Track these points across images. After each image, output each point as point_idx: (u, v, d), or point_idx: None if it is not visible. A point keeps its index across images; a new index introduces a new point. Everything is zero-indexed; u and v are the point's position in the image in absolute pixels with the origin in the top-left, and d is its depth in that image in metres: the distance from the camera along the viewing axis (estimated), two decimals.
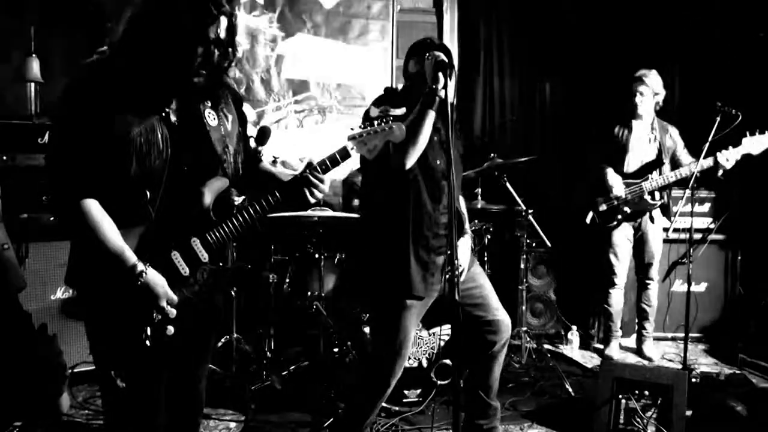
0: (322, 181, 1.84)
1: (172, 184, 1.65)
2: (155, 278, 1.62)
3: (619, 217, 4.02)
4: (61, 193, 1.57)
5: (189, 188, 1.69)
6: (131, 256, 1.59)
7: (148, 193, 1.61)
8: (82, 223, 1.56)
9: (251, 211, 1.79)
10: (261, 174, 1.97)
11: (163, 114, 1.65)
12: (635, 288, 4.49)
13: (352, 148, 1.88)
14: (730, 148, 3.62)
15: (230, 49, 1.64)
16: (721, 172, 3.67)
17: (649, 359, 4.15)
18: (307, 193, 1.84)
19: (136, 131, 1.57)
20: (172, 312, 1.64)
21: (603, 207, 4.03)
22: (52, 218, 3.28)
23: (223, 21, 1.60)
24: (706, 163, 3.61)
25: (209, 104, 1.75)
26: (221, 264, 1.77)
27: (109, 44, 1.63)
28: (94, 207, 1.57)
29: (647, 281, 4.18)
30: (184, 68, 1.59)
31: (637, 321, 4.30)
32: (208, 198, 1.72)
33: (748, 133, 3.61)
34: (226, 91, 1.83)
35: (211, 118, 1.74)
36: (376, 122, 1.90)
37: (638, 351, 4.28)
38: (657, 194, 4.00)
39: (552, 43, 5.38)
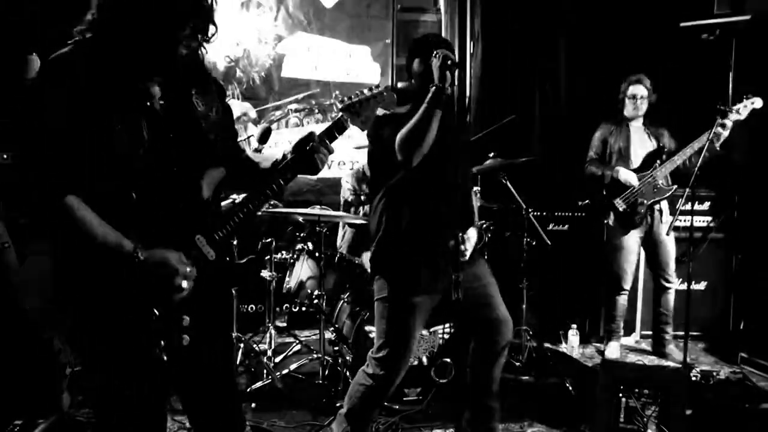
0: (328, 147, 1.74)
1: (164, 180, 1.54)
2: (157, 253, 1.48)
3: (641, 212, 4.04)
4: (40, 193, 1.43)
5: (185, 181, 1.59)
6: (129, 245, 1.46)
7: (134, 195, 1.49)
8: (69, 223, 1.44)
9: (254, 198, 1.68)
10: (247, 166, 1.84)
11: (147, 105, 1.52)
12: (637, 288, 4.50)
13: (346, 120, 1.80)
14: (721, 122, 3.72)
15: (210, 22, 1.55)
16: (718, 145, 3.75)
17: (675, 360, 4.11)
18: (317, 159, 1.73)
19: (116, 124, 1.45)
20: (189, 276, 1.52)
21: (623, 206, 4.05)
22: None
23: None
24: (706, 137, 3.65)
25: (194, 91, 1.63)
26: (228, 259, 1.68)
27: (84, 25, 1.52)
28: (77, 203, 1.45)
29: (667, 284, 4.16)
30: (163, 41, 1.49)
31: (655, 324, 4.29)
32: (207, 190, 1.63)
33: (732, 106, 3.73)
34: (211, 81, 1.73)
35: (199, 104, 1.63)
36: (366, 90, 1.82)
37: (660, 353, 4.26)
38: (668, 180, 4.07)
39: (552, 43, 5.38)
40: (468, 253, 2.54)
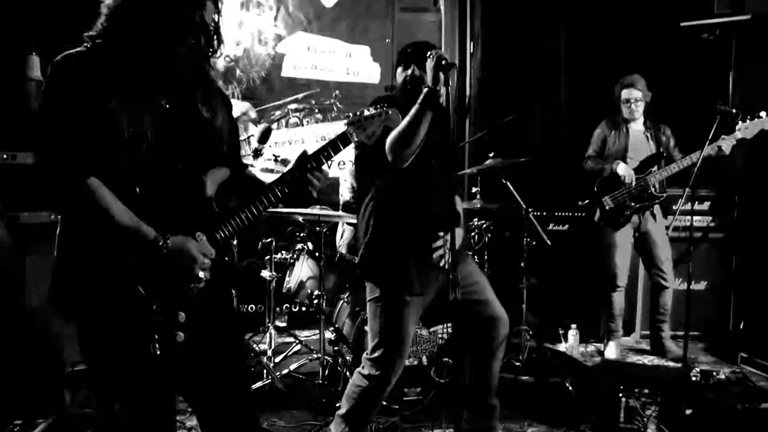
0: (321, 172, 1.79)
1: (168, 176, 1.58)
2: (182, 242, 1.55)
3: (627, 213, 4.05)
4: (62, 174, 1.47)
5: (189, 179, 1.63)
6: (149, 230, 1.52)
7: (137, 189, 1.54)
8: (92, 204, 1.48)
9: (257, 203, 1.72)
10: (245, 181, 1.89)
11: (152, 104, 1.58)
12: (637, 288, 4.51)
13: (351, 134, 1.86)
14: (726, 136, 3.74)
15: (215, 38, 1.61)
16: (717, 154, 3.75)
17: (675, 354, 4.10)
18: (310, 188, 1.79)
19: (122, 120, 1.50)
20: (207, 264, 1.59)
21: (610, 205, 4.06)
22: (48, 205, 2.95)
23: (210, 7, 1.58)
24: (707, 151, 3.64)
25: (200, 97, 1.69)
26: (227, 260, 1.70)
27: (95, 27, 1.58)
28: (99, 184, 1.49)
29: (665, 284, 4.15)
30: (169, 52, 1.55)
31: (652, 323, 4.27)
32: (211, 188, 1.66)
33: (740, 122, 3.74)
34: (217, 91, 1.79)
35: (204, 110, 1.69)
36: (372, 107, 1.91)
37: (658, 351, 4.25)
38: (662, 187, 4.05)
39: (552, 42, 5.38)
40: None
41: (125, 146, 1.51)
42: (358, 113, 1.89)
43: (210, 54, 1.64)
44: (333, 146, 1.83)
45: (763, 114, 3.74)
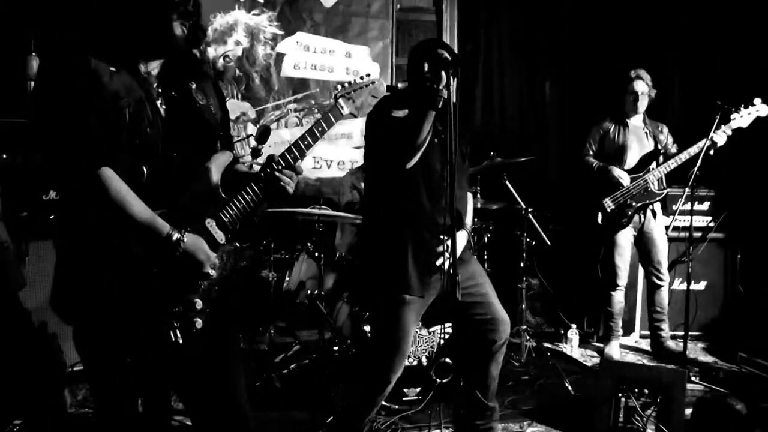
0: (293, 171, 1.77)
1: (172, 161, 1.59)
2: (195, 243, 1.55)
3: (629, 213, 4.05)
4: (73, 165, 1.47)
5: (193, 166, 1.64)
6: (164, 225, 1.52)
7: (145, 169, 1.54)
8: (104, 196, 1.47)
9: (258, 186, 1.73)
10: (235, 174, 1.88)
11: (150, 90, 1.60)
12: (636, 288, 4.51)
13: (341, 106, 1.93)
14: (722, 126, 3.74)
15: (195, 27, 1.63)
16: (712, 151, 3.73)
17: (675, 355, 4.07)
18: (282, 184, 1.76)
19: (123, 102, 1.52)
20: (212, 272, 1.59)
21: (611, 207, 4.05)
22: (57, 195, 2.97)
23: None
24: (703, 143, 3.66)
25: (194, 85, 1.71)
26: (237, 244, 1.70)
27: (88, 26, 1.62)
28: (112, 175, 1.49)
29: (659, 282, 4.16)
30: (153, 39, 1.58)
31: (650, 323, 4.27)
32: (216, 175, 1.66)
33: (734, 110, 3.76)
34: (209, 79, 1.80)
35: (199, 97, 1.71)
36: (359, 78, 1.98)
37: (658, 351, 4.24)
38: (662, 184, 4.06)
39: (552, 42, 5.38)
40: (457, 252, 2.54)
41: (127, 134, 1.52)
42: (346, 84, 1.96)
43: (193, 42, 1.64)
44: (325, 120, 1.87)
45: (757, 101, 3.76)
